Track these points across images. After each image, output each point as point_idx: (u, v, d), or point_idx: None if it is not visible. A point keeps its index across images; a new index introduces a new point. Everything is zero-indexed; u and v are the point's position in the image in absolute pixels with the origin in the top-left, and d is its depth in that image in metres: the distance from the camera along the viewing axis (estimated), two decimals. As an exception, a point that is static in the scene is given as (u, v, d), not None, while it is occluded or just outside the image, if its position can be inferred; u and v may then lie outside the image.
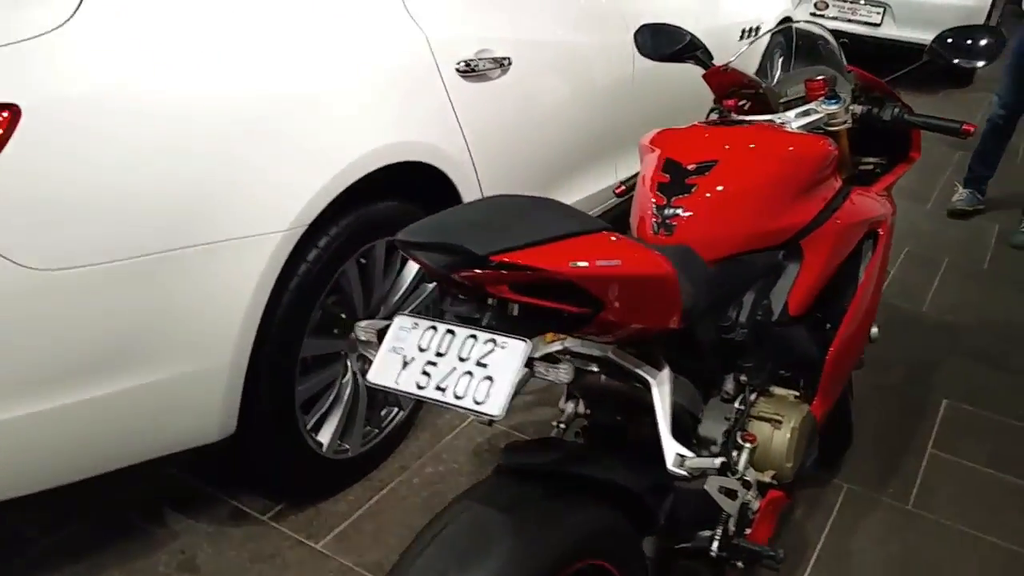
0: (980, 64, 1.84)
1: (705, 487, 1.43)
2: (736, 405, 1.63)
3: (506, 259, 1.06)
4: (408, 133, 2.03)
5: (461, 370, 1.14)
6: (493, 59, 2.29)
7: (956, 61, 1.84)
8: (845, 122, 1.88)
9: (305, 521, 2.08)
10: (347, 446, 2.12)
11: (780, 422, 1.61)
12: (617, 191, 2.00)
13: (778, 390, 1.72)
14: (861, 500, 2.27)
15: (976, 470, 2.44)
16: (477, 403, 1.11)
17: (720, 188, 1.56)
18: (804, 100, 1.94)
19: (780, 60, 2.30)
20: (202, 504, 2.09)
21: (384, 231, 2.01)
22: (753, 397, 1.64)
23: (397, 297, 2.17)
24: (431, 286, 2.24)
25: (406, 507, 2.15)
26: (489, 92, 2.31)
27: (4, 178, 1.37)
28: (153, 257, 1.55)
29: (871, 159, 2.12)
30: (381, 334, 1.24)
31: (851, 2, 6.43)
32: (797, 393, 1.72)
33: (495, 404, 1.10)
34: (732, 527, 1.54)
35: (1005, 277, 3.70)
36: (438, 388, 1.15)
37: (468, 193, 2.27)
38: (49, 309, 1.45)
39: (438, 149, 2.12)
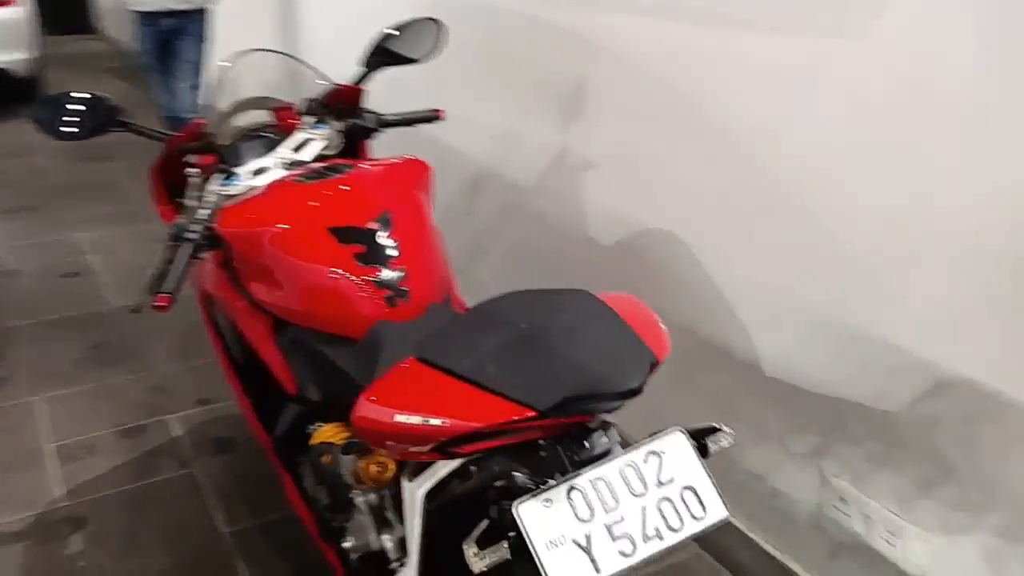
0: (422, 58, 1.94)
1: None
2: None
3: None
4: None
5: (652, 504, 0.97)
6: None
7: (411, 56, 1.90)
8: (341, 143, 1.84)
9: None
10: None
11: None
12: (160, 302, 1.50)
13: None
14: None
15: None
16: (698, 519, 0.99)
17: (414, 233, 1.48)
18: (275, 131, 1.80)
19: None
20: None
21: None
22: None
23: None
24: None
25: None
26: None
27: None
28: None
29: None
30: (511, 544, 0.93)
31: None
32: None
33: (715, 508, 1.00)
34: None
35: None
36: (648, 539, 0.96)
37: None
38: None
39: None
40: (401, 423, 1.03)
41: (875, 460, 1.69)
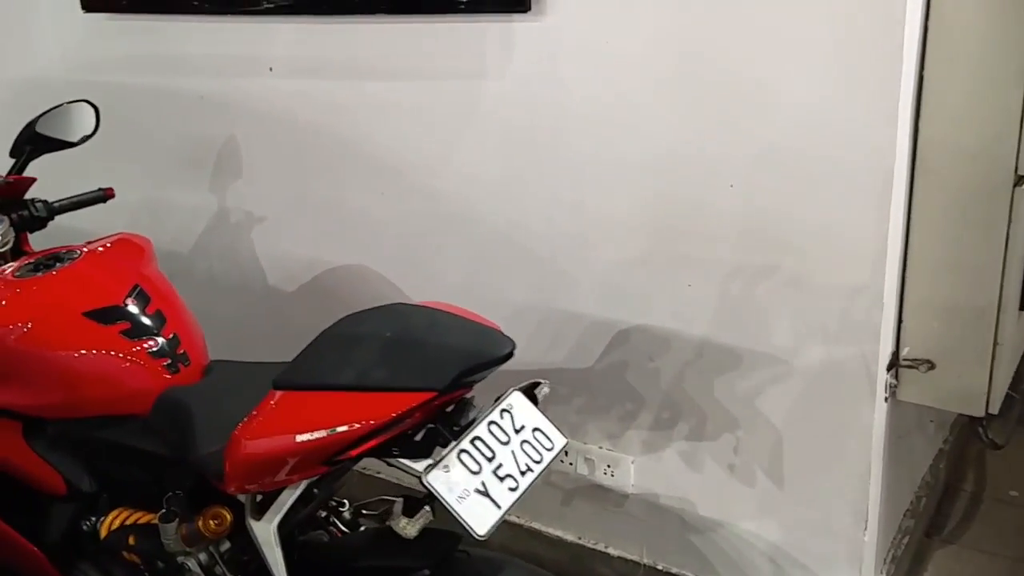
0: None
1: None
2: None
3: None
4: None
5: (517, 447, 1.23)
6: None
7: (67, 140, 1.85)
8: (11, 238, 1.73)
9: None
10: None
11: None
12: None
13: None
14: None
15: None
16: (550, 449, 1.27)
17: (170, 300, 1.56)
18: None
19: None
20: None
21: None
22: None
23: None
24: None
25: None
26: None
27: None
28: None
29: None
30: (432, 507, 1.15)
31: None
32: None
33: (557, 438, 1.29)
34: None
35: None
36: (523, 473, 1.22)
37: None
38: None
39: None
40: (305, 442, 1.12)
41: (584, 411, 2.04)
